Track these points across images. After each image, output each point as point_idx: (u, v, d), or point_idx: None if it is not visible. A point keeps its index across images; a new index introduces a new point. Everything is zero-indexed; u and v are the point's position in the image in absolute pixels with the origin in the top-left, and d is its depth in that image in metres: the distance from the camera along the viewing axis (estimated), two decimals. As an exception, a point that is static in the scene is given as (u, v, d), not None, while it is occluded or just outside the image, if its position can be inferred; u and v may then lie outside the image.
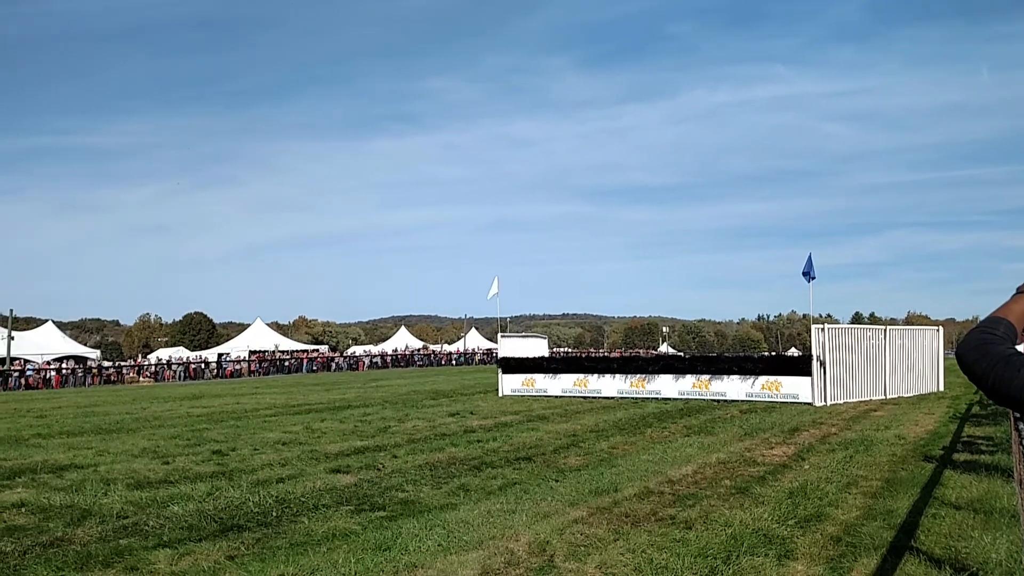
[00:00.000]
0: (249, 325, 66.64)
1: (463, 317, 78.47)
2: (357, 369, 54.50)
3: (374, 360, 58.85)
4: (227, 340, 67.67)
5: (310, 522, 6.44)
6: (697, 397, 18.51)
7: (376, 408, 17.84)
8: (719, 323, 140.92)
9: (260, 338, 60.97)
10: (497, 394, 21.06)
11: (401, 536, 5.85)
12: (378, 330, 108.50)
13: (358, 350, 70.56)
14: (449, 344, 77.59)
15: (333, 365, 55.65)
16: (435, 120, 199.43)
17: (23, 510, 7.15)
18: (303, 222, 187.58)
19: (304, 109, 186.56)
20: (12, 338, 45.53)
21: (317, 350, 63.69)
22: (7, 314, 48.58)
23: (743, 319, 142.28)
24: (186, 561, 5.36)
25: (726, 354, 35.46)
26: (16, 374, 42.78)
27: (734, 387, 18.32)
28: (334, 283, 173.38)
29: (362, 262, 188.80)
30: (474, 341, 70.00)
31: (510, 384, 21.58)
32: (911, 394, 19.18)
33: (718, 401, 17.88)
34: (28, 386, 41.52)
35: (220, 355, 56.16)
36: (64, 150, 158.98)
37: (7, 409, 22.08)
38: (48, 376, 43.93)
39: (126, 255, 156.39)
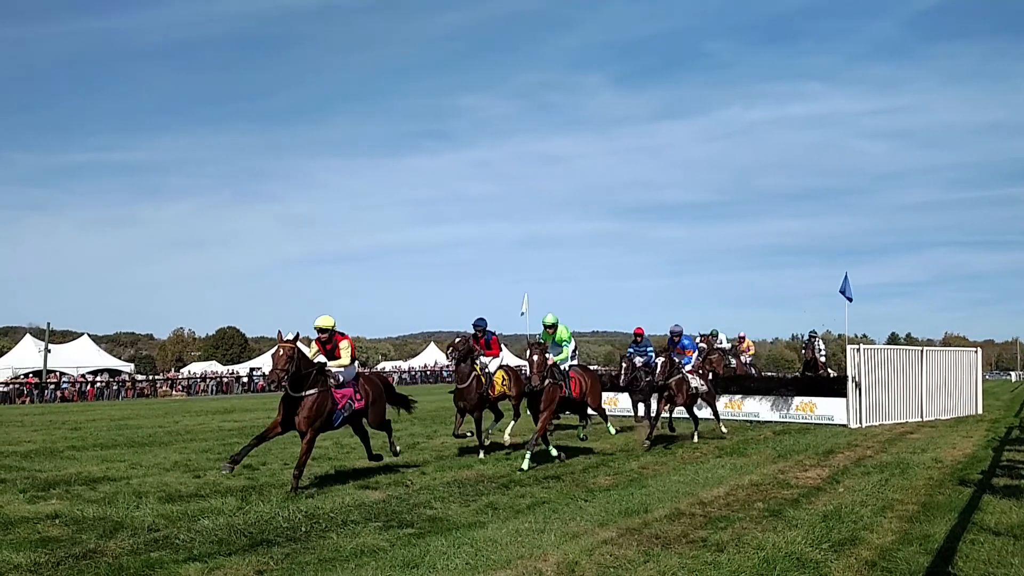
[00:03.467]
0: (281, 340, 67.02)
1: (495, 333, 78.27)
2: (387, 385, 54.63)
3: (403, 376, 59.05)
4: (259, 355, 68.29)
5: (339, 538, 6.44)
6: (729, 418, 18.28)
7: (405, 424, 17.84)
8: (752, 342, 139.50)
9: (292, 353, 61.33)
10: (526, 412, 20.93)
11: (429, 554, 5.83)
12: (408, 346, 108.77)
13: (388, 365, 70.84)
14: (478, 361, 77.08)
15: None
16: (468, 137, 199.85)
17: (57, 522, 7.22)
18: (336, 238, 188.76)
19: (339, 126, 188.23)
20: (49, 351, 46.34)
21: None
22: (44, 327, 49.48)
23: (777, 339, 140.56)
24: (216, 575, 5.38)
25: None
26: (52, 386, 43.53)
27: (766, 408, 18.08)
28: (365, 298, 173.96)
29: (393, 278, 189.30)
30: (508, 356, 69.80)
31: (539, 402, 21.40)
32: (948, 417, 18.81)
33: (750, 422, 17.65)
34: (64, 399, 42.25)
35: (252, 369, 56.71)
36: (103, 166, 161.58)
37: (43, 421, 22.45)
38: (83, 389, 44.66)
39: (161, 269, 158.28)
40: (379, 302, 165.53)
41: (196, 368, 65.44)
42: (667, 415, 14.68)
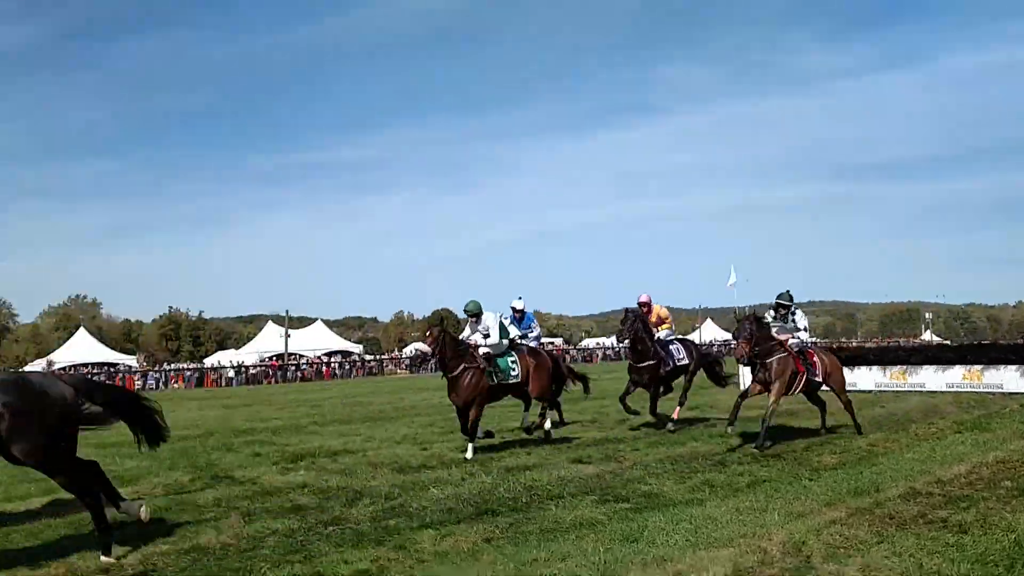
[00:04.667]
0: (491, 320, 69.53)
1: (698, 308, 76.78)
2: (591, 362, 55.11)
3: (607, 352, 59.18)
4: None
5: (557, 510, 6.62)
6: (968, 390, 16.79)
7: (613, 400, 17.90)
8: (992, 307, 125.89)
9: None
10: (739, 387, 20.37)
11: (647, 529, 5.85)
12: (610, 322, 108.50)
13: (591, 343, 71.31)
14: (684, 335, 75.96)
15: (567, 357, 56.71)
16: (669, 106, 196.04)
17: (305, 491, 7.95)
18: (538, 218, 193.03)
19: (537, 108, 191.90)
20: (289, 336, 50.97)
21: (552, 343, 65.28)
22: (284, 315, 54.46)
23: (1020, 302, 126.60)
24: (448, 542, 5.72)
25: (1001, 341, 31.89)
26: (293, 368, 47.92)
27: (1012, 378, 16.41)
28: (567, 276, 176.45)
29: (594, 254, 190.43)
30: (710, 332, 68.26)
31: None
32: None
33: (993, 394, 16.10)
34: (303, 378, 46.37)
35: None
36: (326, 165, 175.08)
37: (287, 400, 24.77)
38: (320, 369, 48.73)
39: (382, 258, 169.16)
40: (580, 279, 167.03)
41: (416, 348, 69.19)
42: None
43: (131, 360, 56.96)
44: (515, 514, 6.54)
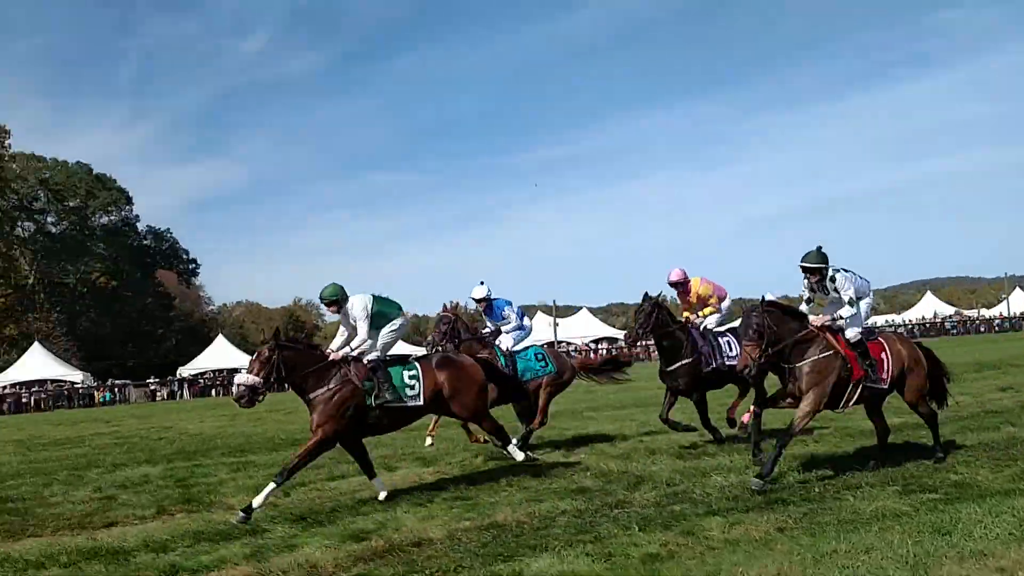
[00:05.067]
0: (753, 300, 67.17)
1: (1003, 276, 68.33)
2: (879, 340, 51.08)
3: (898, 329, 54.59)
4: (738, 317, 69.30)
5: (855, 500, 6.23)
6: None
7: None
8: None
9: (764, 311, 61.03)
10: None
11: (961, 521, 5.34)
12: (899, 297, 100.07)
13: (879, 320, 66.15)
14: (987, 308, 68.53)
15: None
16: (949, 56, 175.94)
17: (588, 474, 8.16)
18: (803, 191, 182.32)
19: (797, 74, 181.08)
20: (557, 324, 52.63)
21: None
22: (551, 304, 56.37)
23: None
24: (737, 530, 5.60)
25: None
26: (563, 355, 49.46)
27: None
28: (846, 249, 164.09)
29: (877, 223, 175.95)
30: (1019, 303, 60.60)
31: (1077, 352, 18.21)
32: None
33: None
34: (573, 366, 47.72)
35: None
36: (580, 156, 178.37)
37: (561, 386, 25.58)
38: (588, 355, 49.86)
39: (639, 243, 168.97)
40: (863, 251, 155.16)
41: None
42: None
43: (420, 351, 62.02)
44: (808, 504, 6.25)
